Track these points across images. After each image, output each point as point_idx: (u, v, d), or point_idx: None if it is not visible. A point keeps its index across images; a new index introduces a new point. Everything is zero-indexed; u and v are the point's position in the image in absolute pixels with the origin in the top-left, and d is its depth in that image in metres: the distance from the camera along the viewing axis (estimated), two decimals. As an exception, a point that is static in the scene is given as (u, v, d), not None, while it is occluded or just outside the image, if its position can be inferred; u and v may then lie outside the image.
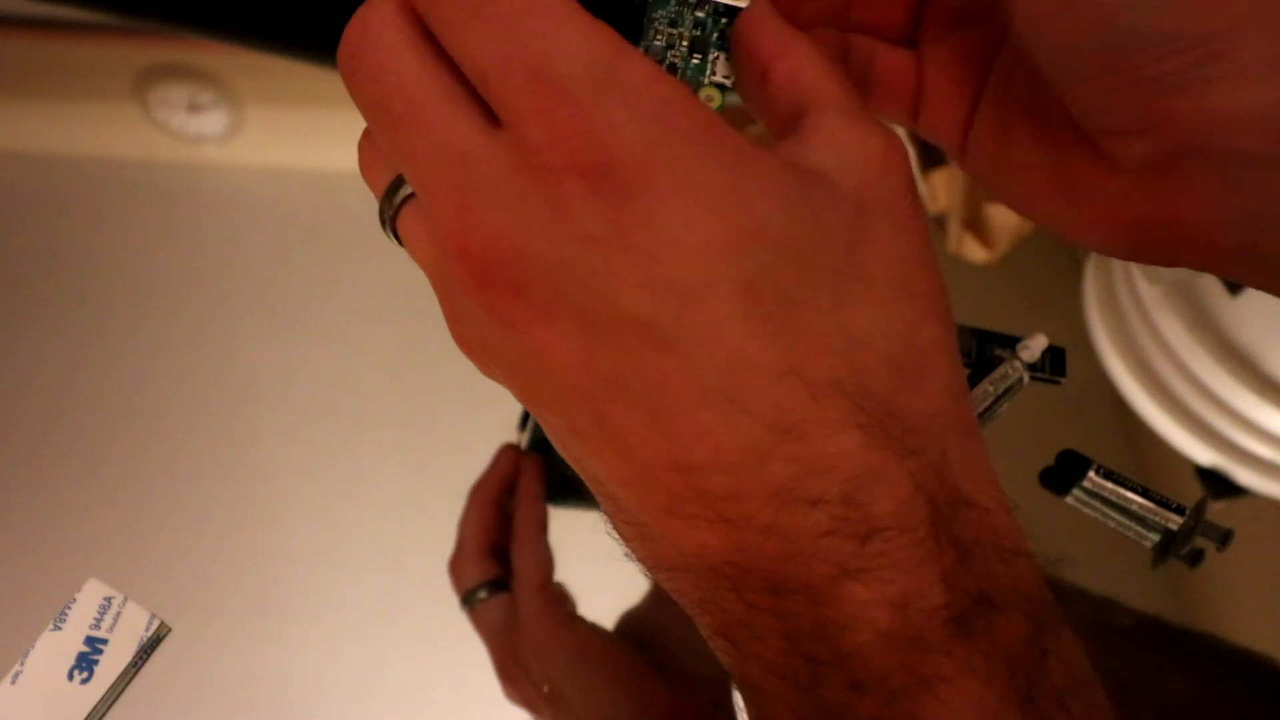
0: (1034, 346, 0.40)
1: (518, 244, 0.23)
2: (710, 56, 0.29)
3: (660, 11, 0.29)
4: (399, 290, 0.58)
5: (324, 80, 0.65)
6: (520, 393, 0.26)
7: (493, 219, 0.23)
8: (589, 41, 0.23)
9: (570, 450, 0.26)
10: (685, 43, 0.29)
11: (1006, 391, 0.39)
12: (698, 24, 0.29)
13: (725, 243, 0.23)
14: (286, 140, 0.68)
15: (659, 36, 0.29)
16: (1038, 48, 0.28)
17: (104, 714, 0.47)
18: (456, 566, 0.53)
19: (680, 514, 0.24)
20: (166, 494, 0.55)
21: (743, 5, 0.29)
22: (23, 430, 0.56)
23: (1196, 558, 0.42)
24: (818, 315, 0.24)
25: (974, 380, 0.39)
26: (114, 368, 0.58)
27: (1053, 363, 0.41)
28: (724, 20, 0.29)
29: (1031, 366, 0.40)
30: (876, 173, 0.26)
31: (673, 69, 0.29)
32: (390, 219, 0.28)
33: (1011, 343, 0.41)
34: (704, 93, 0.29)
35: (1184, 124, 0.26)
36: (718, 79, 0.29)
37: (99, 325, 0.60)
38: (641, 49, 0.29)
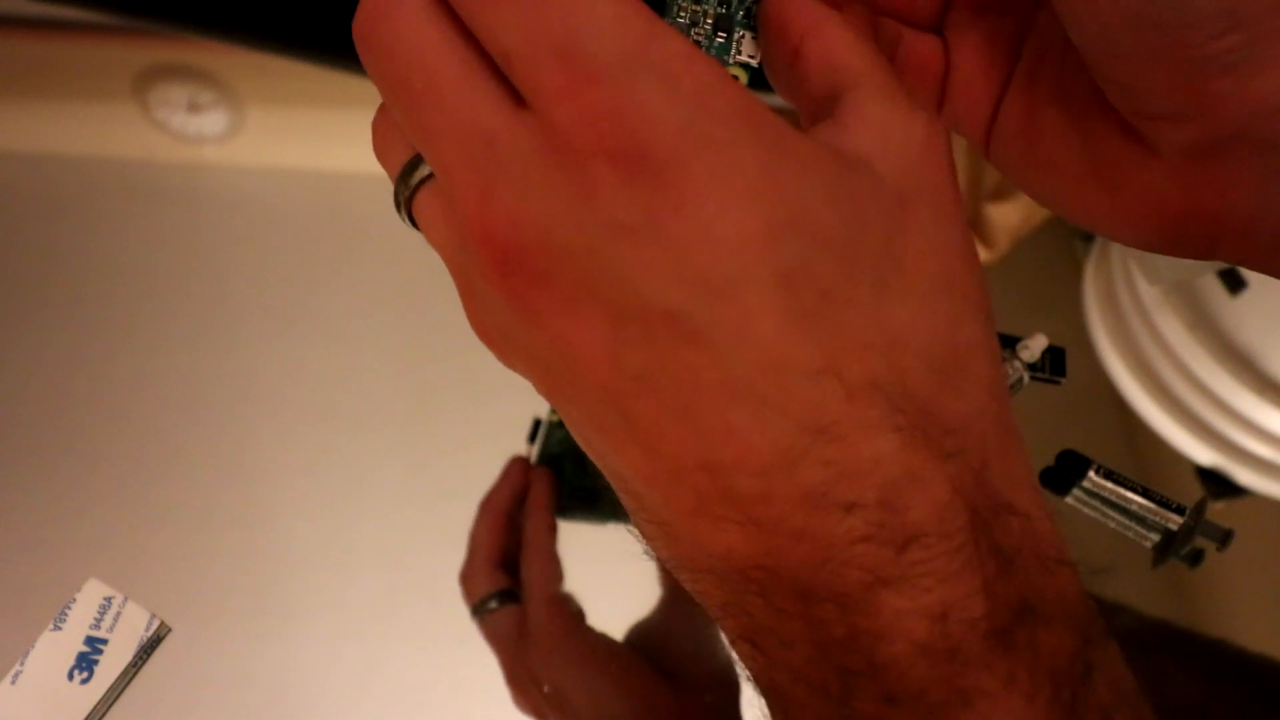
0: (1034, 346, 0.40)
1: (543, 231, 0.22)
2: (736, 35, 0.28)
3: None
4: (399, 290, 0.58)
5: (324, 80, 0.65)
6: (542, 385, 0.25)
7: (517, 204, 0.22)
8: (621, 18, 0.22)
9: (593, 446, 0.25)
10: (709, 20, 0.28)
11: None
12: (722, 1, 0.28)
13: (761, 234, 0.22)
14: (286, 140, 0.68)
15: (682, 13, 0.28)
16: (1082, 28, 0.27)
17: (104, 714, 0.47)
18: (467, 578, 0.53)
19: (707, 515, 0.23)
20: (166, 494, 0.55)
21: None
22: (23, 430, 0.56)
23: (1196, 558, 0.42)
24: (856, 311, 0.23)
25: (974, 380, 0.39)
26: (114, 368, 0.58)
27: (1053, 363, 0.41)
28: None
29: (1031, 366, 0.40)
30: (918, 159, 0.24)
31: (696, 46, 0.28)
32: (405, 201, 0.26)
33: (1011, 343, 0.41)
34: (730, 73, 0.28)
35: (1230, 108, 0.25)
36: (743, 58, 0.27)
37: (99, 325, 0.60)
38: None
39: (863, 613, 0.22)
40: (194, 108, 0.67)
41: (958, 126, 0.32)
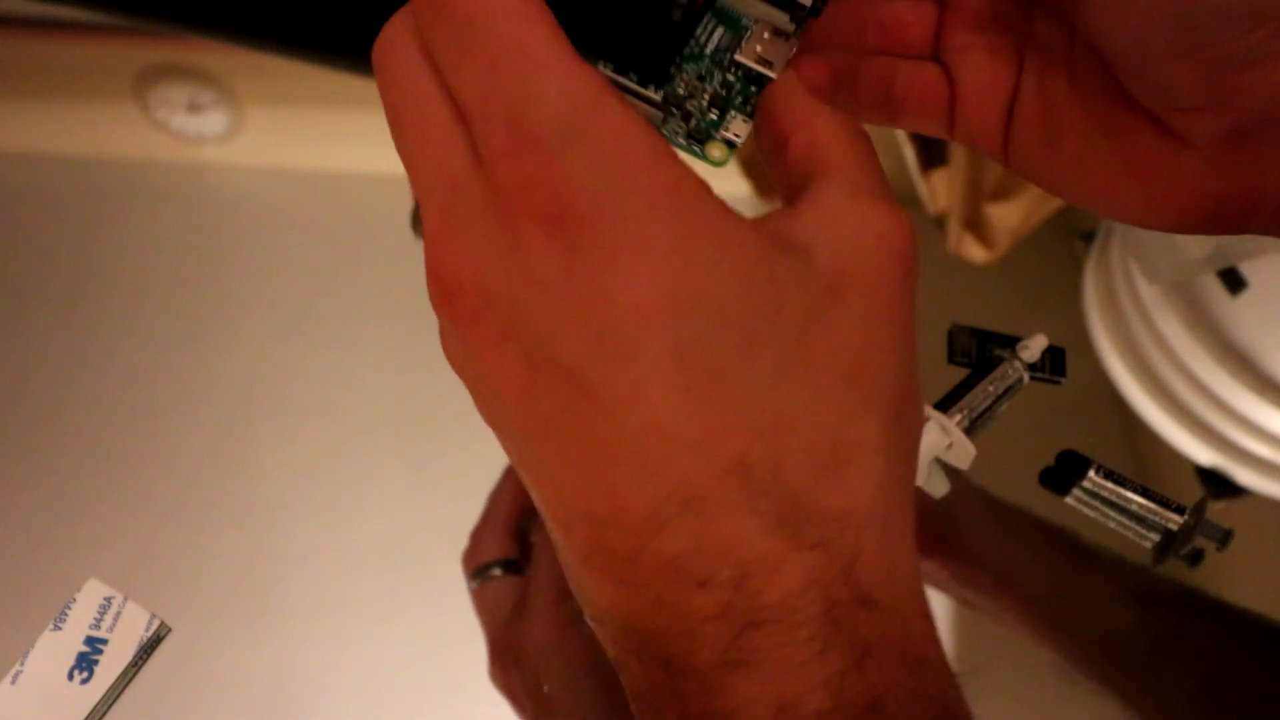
0: (1034, 346, 0.40)
1: (479, 275, 0.24)
2: (728, 115, 0.30)
3: (691, 66, 0.30)
4: (399, 290, 0.58)
5: (324, 80, 0.65)
6: (481, 411, 0.26)
7: (463, 246, 0.24)
8: (567, 91, 0.24)
9: (519, 473, 0.26)
10: (707, 96, 0.30)
11: (1006, 391, 0.39)
12: (724, 84, 0.30)
13: (663, 306, 0.23)
14: (286, 140, 0.68)
15: (682, 85, 0.30)
16: (1113, 35, 0.28)
17: (104, 714, 0.47)
18: (478, 537, 0.52)
19: (592, 565, 0.24)
20: (166, 494, 0.55)
21: (773, 76, 0.29)
22: (23, 430, 0.56)
23: (1196, 558, 0.42)
24: (746, 392, 0.24)
25: (974, 380, 0.39)
26: (114, 368, 0.58)
27: (1053, 363, 0.41)
28: (753, 88, 0.30)
29: (1031, 366, 0.40)
30: (866, 252, 0.25)
31: (687, 116, 0.30)
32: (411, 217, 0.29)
33: (1011, 343, 0.41)
34: (713, 146, 0.29)
35: (1258, 97, 0.26)
36: (729, 135, 0.29)
37: (99, 325, 0.60)
38: (660, 93, 0.30)
39: (715, 693, 0.23)
40: (194, 108, 0.67)
41: (973, 144, 0.33)
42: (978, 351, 0.41)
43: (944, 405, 0.39)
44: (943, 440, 0.38)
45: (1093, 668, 0.50)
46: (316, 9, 0.65)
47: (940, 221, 0.64)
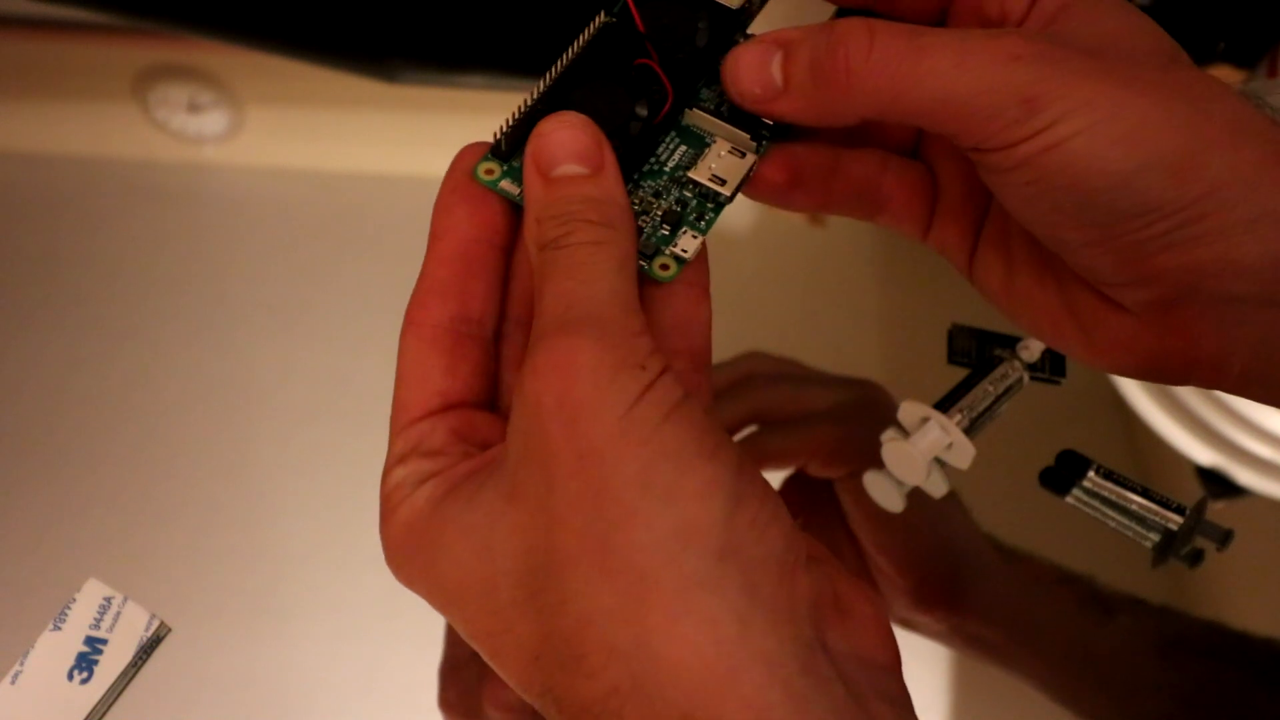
0: (1034, 346, 0.40)
1: None
2: (680, 231, 0.30)
3: (649, 182, 0.30)
4: (399, 290, 0.58)
5: (324, 80, 0.65)
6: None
7: None
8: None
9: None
10: (660, 213, 0.30)
11: (1006, 391, 0.39)
12: (680, 200, 0.30)
13: (442, 608, 0.27)
14: (286, 140, 0.68)
15: (637, 201, 0.30)
16: (1029, 224, 0.29)
17: (104, 714, 0.47)
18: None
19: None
20: (166, 494, 0.55)
21: (727, 195, 0.30)
22: (23, 430, 0.56)
23: (1196, 558, 0.42)
24: (513, 635, 0.25)
25: (974, 380, 0.39)
26: (114, 368, 0.58)
27: (1053, 363, 0.41)
28: (709, 204, 0.30)
29: (1031, 366, 0.40)
30: (530, 428, 0.25)
31: (639, 232, 0.30)
32: None
33: (1011, 343, 0.41)
34: (660, 260, 0.29)
35: (1177, 276, 0.27)
36: (677, 250, 0.30)
37: (99, 325, 0.60)
38: None
39: None
40: (194, 108, 0.67)
41: (942, 252, 0.34)
42: (978, 351, 0.41)
43: (944, 405, 0.39)
44: (943, 440, 0.38)
45: None
46: (316, 9, 0.65)
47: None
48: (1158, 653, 0.49)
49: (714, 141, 0.31)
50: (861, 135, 0.33)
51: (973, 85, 0.26)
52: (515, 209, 0.30)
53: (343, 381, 0.59)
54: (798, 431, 0.49)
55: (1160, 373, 0.30)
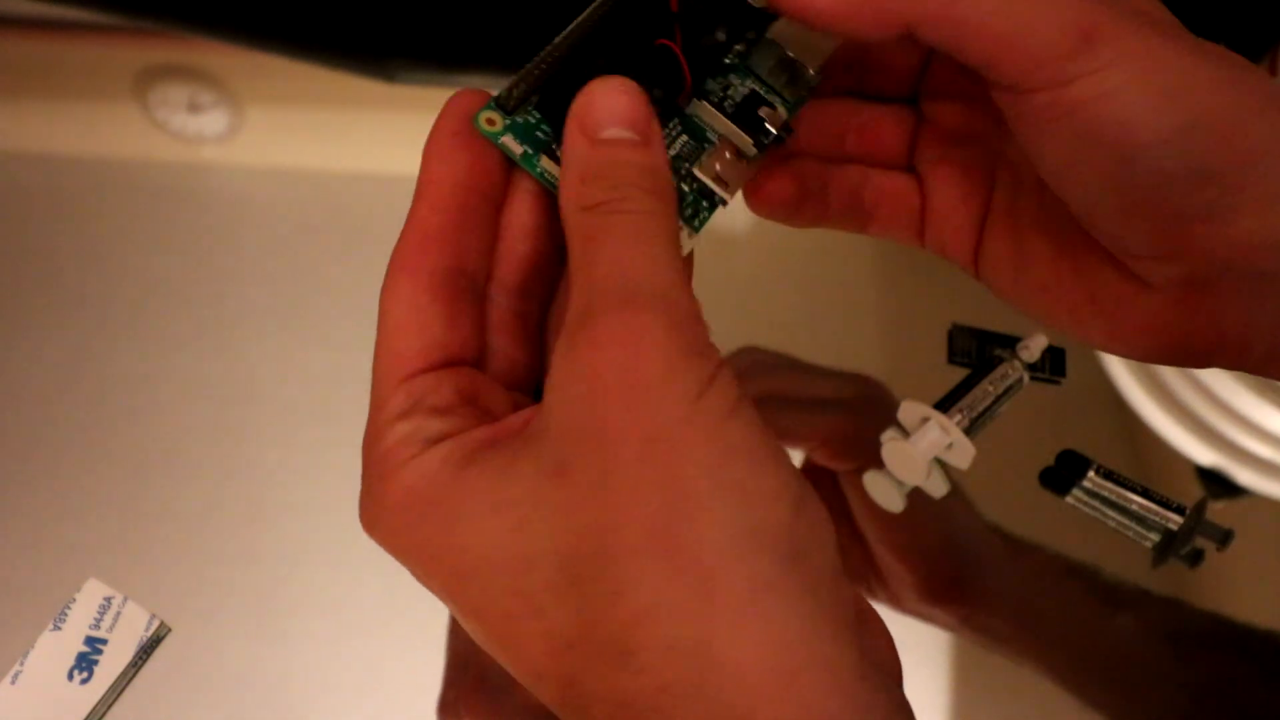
0: (1034, 346, 0.40)
1: None
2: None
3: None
4: (399, 290, 0.58)
5: (324, 80, 0.65)
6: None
7: None
8: None
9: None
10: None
11: (1006, 391, 0.39)
12: (677, 194, 0.30)
13: (443, 589, 0.25)
14: (286, 140, 0.68)
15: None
16: (1063, 192, 0.28)
17: (104, 714, 0.47)
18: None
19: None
20: (166, 494, 0.55)
21: (727, 197, 0.30)
22: (23, 430, 0.56)
23: (1196, 558, 0.42)
24: (529, 633, 0.24)
25: (974, 380, 0.39)
26: (114, 368, 0.58)
27: (1053, 363, 0.41)
28: (704, 203, 0.30)
29: (1031, 366, 0.40)
30: (584, 404, 0.23)
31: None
32: None
33: (1011, 343, 0.41)
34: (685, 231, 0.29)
35: (1211, 249, 0.26)
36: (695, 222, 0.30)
37: (99, 325, 0.60)
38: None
39: None
40: (194, 108, 0.67)
41: (944, 255, 0.33)
42: (978, 351, 0.41)
43: (944, 405, 0.39)
44: (943, 440, 0.38)
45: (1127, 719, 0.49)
46: (316, 9, 0.65)
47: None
48: (1167, 646, 0.49)
49: (718, 140, 0.31)
50: (855, 147, 0.33)
51: (1031, 5, 0.25)
52: (510, 166, 0.29)
53: (343, 381, 0.59)
54: (807, 415, 0.48)
55: (1183, 354, 0.29)
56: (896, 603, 0.49)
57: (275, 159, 0.67)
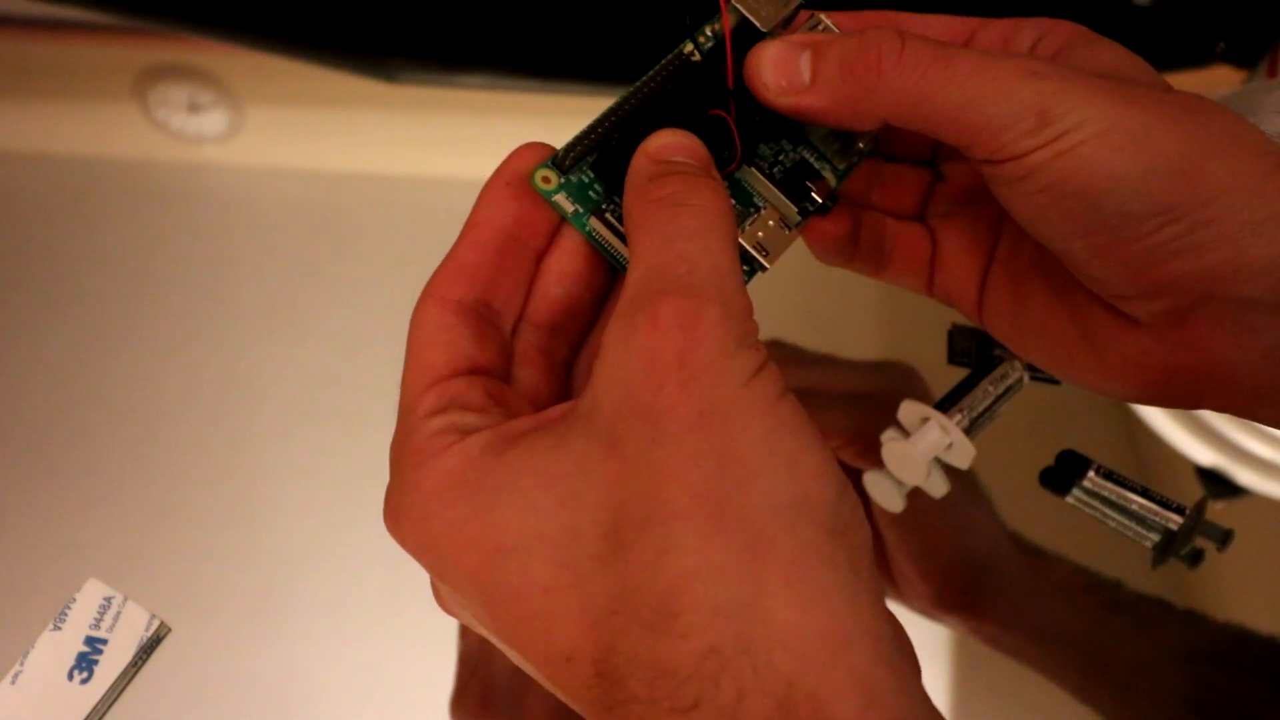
0: (1034, 346, 0.40)
1: None
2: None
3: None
4: (399, 290, 0.58)
5: (324, 80, 0.65)
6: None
7: None
8: None
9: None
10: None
11: (1006, 391, 0.39)
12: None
13: (482, 563, 0.25)
14: (286, 140, 0.68)
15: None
16: (1039, 237, 0.30)
17: (104, 714, 0.47)
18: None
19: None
20: (166, 494, 0.55)
21: (767, 266, 0.31)
22: (23, 430, 0.56)
23: (1196, 558, 0.42)
24: (571, 602, 0.24)
25: (974, 380, 0.39)
26: (114, 367, 0.58)
27: (1053, 363, 0.40)
28: (744, 268, 0.31)
29: (1031, 366, 0.40)
30: (638, 380, 0.24)
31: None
32: None
33: (1012, 343, 0.41)
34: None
35: (1189, 282, 0.28)
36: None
37: (99, 325, 0.60)
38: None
39: None
40: (194, 108, 0.67)
41: (949, 301, 0.35)
42: (978, 351, 0.41)
43: (944, 405, 0.39)
44: (943, 440, 0.38)
45: None
46: (316, 9, 0.65)
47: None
48: (1183, 661, 0.49)
49: (765, 207, 0.32)
50: (879, 197, 0.35)
51: (992, 94, 0.28)
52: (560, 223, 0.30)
53: (342, 381, 0.59)
54: (834, 410, 0.47)
55: (1171, 393, 0.30)
56: (906, 606, 0.49)
57: (275, 159, 0.67)
